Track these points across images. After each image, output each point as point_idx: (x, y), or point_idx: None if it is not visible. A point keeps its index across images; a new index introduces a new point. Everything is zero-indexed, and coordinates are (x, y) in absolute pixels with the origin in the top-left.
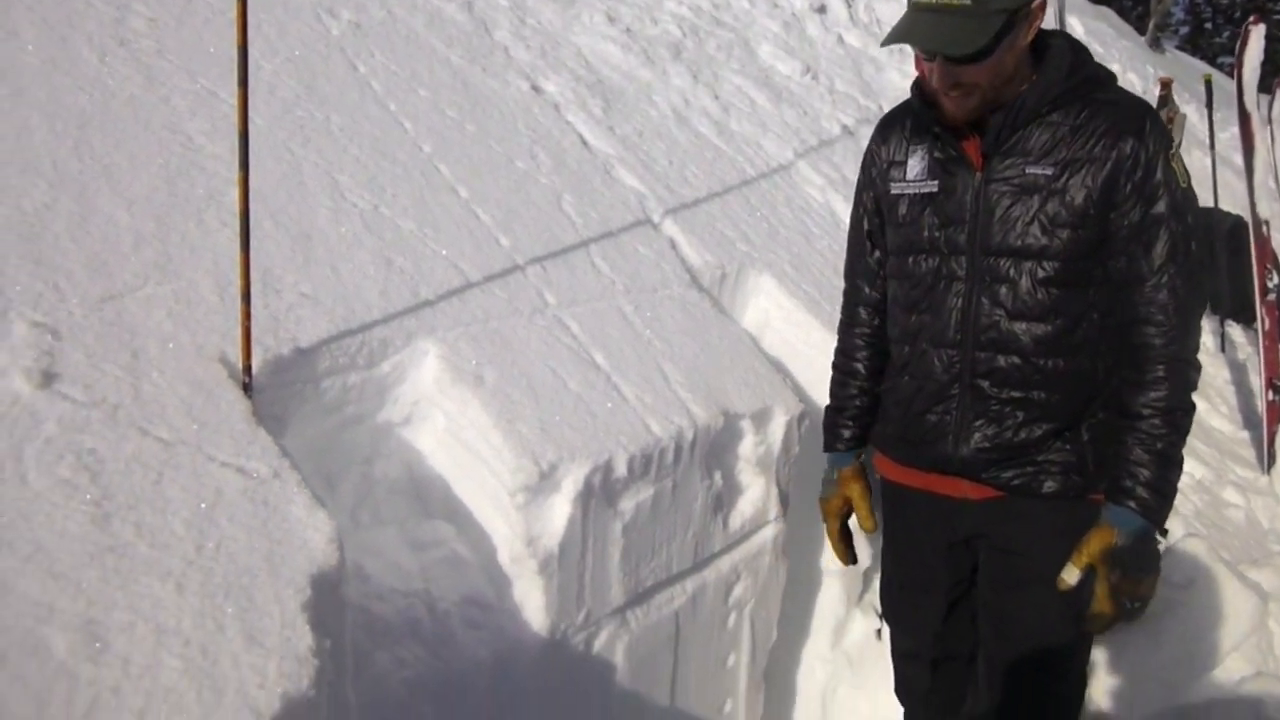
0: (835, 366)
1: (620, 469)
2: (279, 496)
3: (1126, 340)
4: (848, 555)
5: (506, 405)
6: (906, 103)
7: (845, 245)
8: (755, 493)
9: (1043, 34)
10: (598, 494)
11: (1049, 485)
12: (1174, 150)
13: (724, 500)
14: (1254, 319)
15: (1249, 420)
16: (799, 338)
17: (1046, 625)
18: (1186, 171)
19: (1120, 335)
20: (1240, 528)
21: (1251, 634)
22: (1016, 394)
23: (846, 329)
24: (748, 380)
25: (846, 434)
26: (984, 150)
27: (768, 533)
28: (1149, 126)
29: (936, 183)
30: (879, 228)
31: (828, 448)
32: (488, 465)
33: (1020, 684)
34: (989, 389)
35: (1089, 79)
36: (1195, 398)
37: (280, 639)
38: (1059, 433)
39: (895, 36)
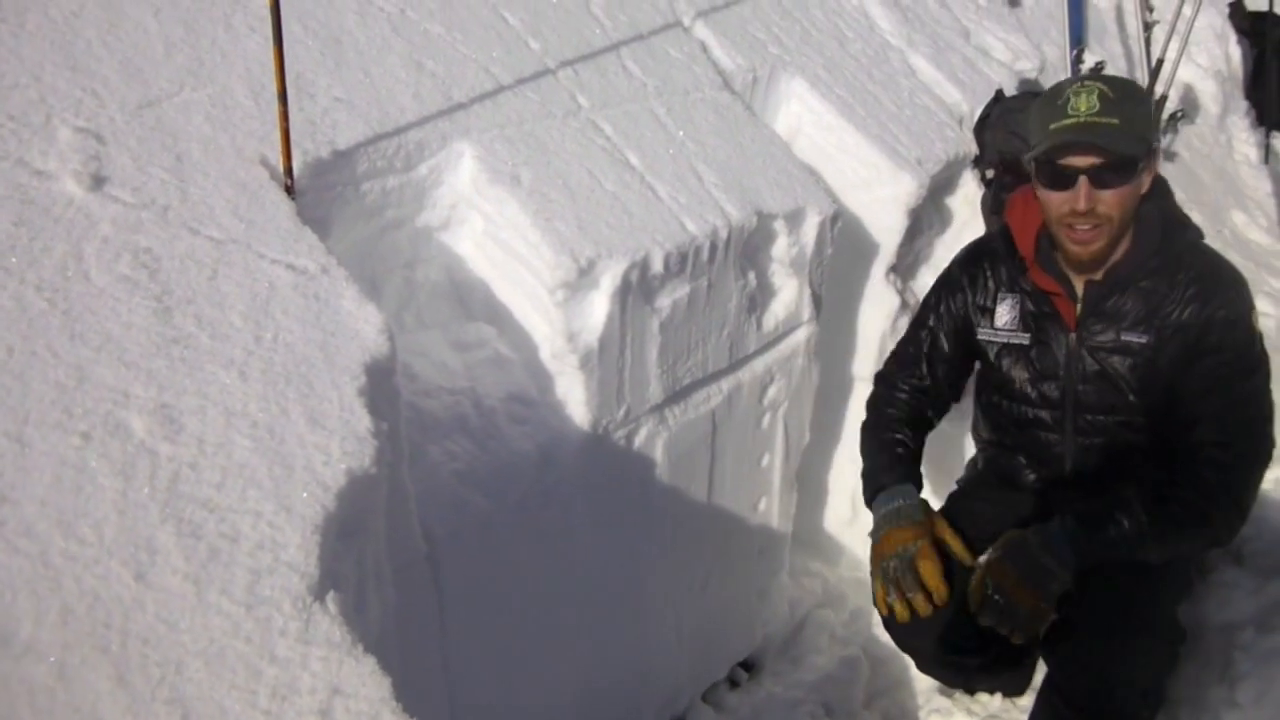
0: (868, 435)
1: (657, 265)
2: (329, 291)
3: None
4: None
5: (544, 204)
6: (988, 242)
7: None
8: (788, 294)
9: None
10: (635, 291)
11: None
12: (1254, 313)
13: (758, 301)
14: None
15: None
16: (831, 141)
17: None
18: (1262, 333)
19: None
20: (1270, 333)
21: None
22: (1109, 489)
23: (876, 423)
24: (780, 181)
25: (895, 472)
26: (1079, 315)
27: (800, 335)
28: (1235, 295)
29: (1029, 336)
30: (951, 358)
31: (877, 489)
32: (526, 264)
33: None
34: (1086, 491)
35: (1180, 247)
36: (1235, 211)
37: (340, 421)
38: None
39: (1049, 149)
